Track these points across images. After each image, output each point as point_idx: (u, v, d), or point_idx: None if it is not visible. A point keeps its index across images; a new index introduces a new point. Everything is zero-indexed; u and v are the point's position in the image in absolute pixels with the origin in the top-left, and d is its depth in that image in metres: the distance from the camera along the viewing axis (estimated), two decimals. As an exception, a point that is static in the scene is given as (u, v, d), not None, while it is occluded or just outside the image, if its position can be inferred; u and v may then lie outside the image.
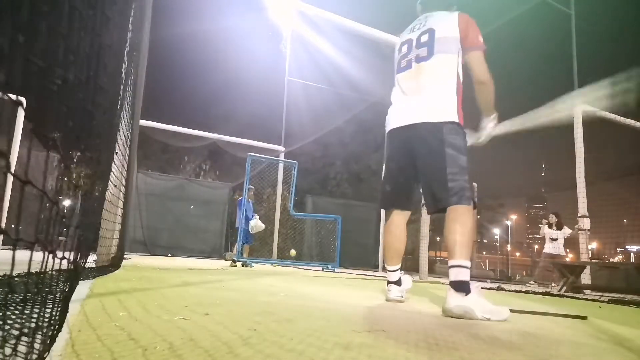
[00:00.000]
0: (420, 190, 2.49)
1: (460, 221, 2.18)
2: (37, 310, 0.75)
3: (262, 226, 8.41)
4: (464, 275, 2.07)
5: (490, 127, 2.49)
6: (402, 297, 2.56)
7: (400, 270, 2.66)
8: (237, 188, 14.94)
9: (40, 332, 0.69)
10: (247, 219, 8.45)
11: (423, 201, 2.49)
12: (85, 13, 0.77)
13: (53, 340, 0.79)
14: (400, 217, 2.61)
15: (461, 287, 2.04)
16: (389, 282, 2.61)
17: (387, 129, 2.57)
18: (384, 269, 13.03)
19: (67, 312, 1.06)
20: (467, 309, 1.98)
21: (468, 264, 2.12)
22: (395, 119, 2.51)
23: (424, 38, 2.45)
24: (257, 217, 8.50)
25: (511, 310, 2.26)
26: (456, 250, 2.13)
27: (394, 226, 2.60)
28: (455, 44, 2.36)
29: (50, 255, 0.66)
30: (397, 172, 2.53)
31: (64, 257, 0.69)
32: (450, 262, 2.14)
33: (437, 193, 2.28)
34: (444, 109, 2.31)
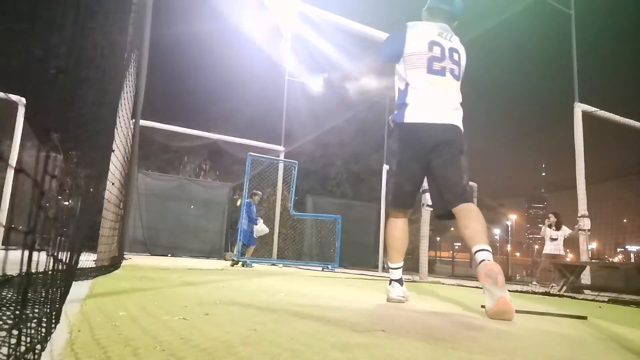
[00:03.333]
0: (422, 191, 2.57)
1: (475, 214, 2.33)
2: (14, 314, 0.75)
3: (266, 230, 8.58)
4: (490, 257, 2.15)
5: None
6: (404, 297, 2.54)
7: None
8: (237, 188, 14.92)
9: (28, 334, 0.69)
10: (251, 221, 8.51)
11: (428, 202, 2.59)
12: (86, 12, 0.77)
13: (44, 342, 0.78)
14: (406, 215, 2.70)
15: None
16: (392, 281, 2.59)
17: (408, 120, 2.49)
18: (385, 269, 12.96)
19: (59, 315, 1.05)
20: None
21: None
22: (422, 114, 2.48)
23: (456, 56, 2.59)
24: (261, 220, 8.58)
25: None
26: (480, 236, 2.23)
27: (402, 222, 2.65)
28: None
29: (43, 255, 0.66)
30: (418, 172, 2.55)
31: (51, 255, 0.69)
32: (477, 247, 2.18)
33: (450, 196, 2.43)
34: (459, 116, 2.56)
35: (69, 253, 0.95)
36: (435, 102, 2.50)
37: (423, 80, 2.51)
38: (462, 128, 2.55)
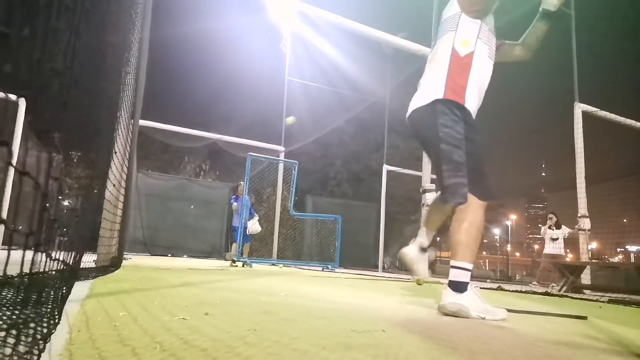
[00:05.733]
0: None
1: (467, 222, 2.10)
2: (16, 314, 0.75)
3: (258, 229, 8.40)
4: (463, 277, 2.04)
5: None
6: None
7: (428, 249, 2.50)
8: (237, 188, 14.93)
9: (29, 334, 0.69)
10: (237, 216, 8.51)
11: (427, 202, 2.43)
12: (86, 12, 0.77)
13: (44, 342, 0.78)
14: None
15: (458, 286, 2.03)
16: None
17: None
18: (384, 269, 12.95)
19: (60, 315, 1.05)
20: (461, 306, 1.97)
21: (470, 266, 2.06)
22: None
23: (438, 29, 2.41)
24: (257, 218, 8.48)
25: (511, 310, 2.26)
26: (459, 251, 2.08)
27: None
28: (454, 19, 2.26)
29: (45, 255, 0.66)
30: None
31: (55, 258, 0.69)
32: (452, 263, 2.10)
33: (440, 186, 2.22)
34: (431, 89, 2.21)
35: (70, 253, 0.95)
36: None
37: None
38: (424, 103, 2.20)
